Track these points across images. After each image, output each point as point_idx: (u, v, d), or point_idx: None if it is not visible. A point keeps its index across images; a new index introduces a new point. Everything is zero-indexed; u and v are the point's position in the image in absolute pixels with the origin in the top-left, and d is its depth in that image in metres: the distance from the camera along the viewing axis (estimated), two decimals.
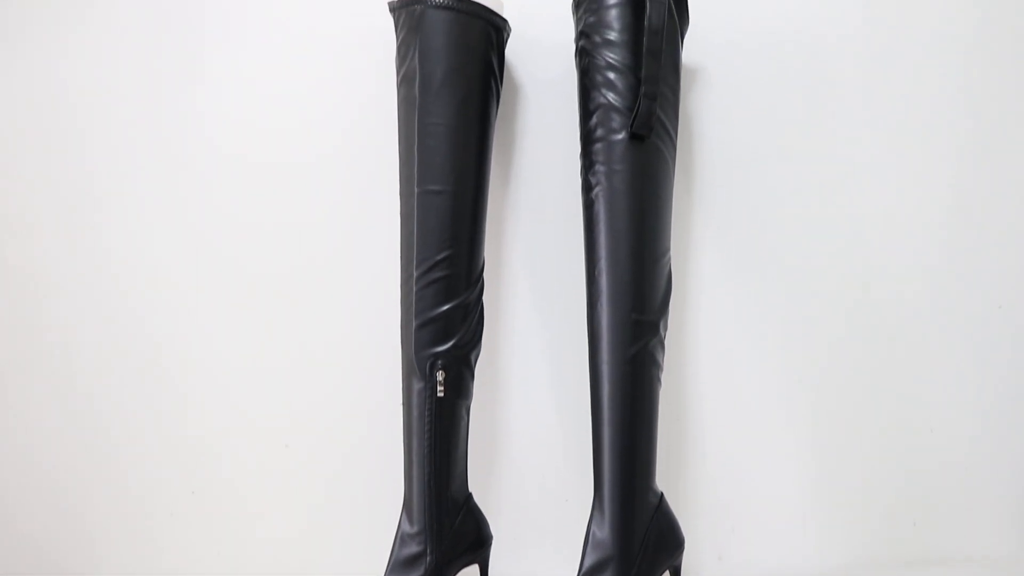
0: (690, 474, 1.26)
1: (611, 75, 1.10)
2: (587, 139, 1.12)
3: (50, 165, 1.32)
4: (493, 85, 1.16)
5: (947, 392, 1.26)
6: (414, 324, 1.11)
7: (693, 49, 1.23)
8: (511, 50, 1.23)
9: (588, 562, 1.05)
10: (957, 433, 1.26)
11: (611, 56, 1.10)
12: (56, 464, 1.33)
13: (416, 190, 1.12)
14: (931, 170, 1.25)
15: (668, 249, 1.12)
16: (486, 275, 1.18)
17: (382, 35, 1.20)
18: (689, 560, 1.19)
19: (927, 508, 1.26)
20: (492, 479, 1.27)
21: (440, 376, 1.11)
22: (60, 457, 1.33)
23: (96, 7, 1.31)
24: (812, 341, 1.26)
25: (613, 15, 1.11)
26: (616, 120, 1.09)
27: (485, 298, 1.16)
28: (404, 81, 1.14)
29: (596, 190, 1.10)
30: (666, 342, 1.11)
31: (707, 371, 1.26)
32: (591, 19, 1.12)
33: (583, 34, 1.13)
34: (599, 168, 1.10)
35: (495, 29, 1.15)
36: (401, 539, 1.11)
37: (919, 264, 1.26)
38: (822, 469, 1.26)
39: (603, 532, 1.06)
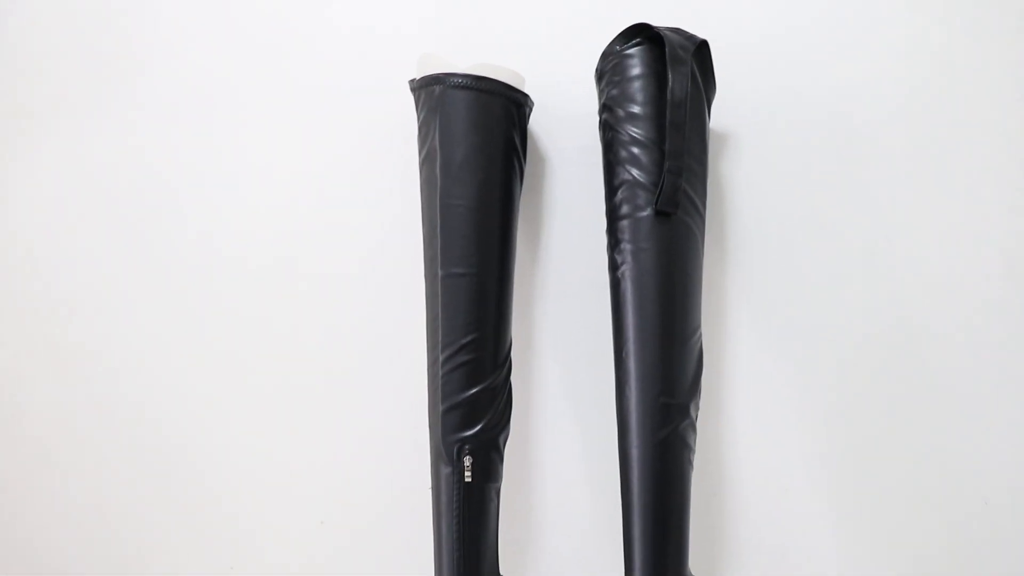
0: (727, 554, 1.22)
1: (635, 150, 1.08)
2: (612, 216, 1.10)
3: (60, 252, 1.34)
4: (516, 163, 1.14)
5: (1000, 466, 1.20)
6: (440, 408, 1.10)
7: (722, 114, 1.20)
8: (535, 121, 1.22)
9: None
10: (1008, 505, 1.20)
11: (635, 131, 1.08)
12: (97, 537, 1.34)
13: (440, 272, 1.11)
14: (978, 234, 1.20)
15: (699, 327, 1.09)
16: (514, 354, 1.16)
17: (407, 112, 1.20)
18: None
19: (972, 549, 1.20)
20: (525, 562, 1.25)
21: (468, 461, 1.10)
22: (102, 529, 1.34)
23: (113, 83, 1.33)
24: (854, 420, 1.21)
25: (636, 87, 1.09)
26: (641, 197, 1.07)
27: (514, 378, 1.15)
28: (426, 161, 1.13)
29: (623, 269, 1.08)
30: (699, 422, 1.09)
31: (743, 447, 1.22)
32: (614, 92, 1.10)
33: (606, 107, 1.11)
34: (625, 246, 1.08)
35: (516, 106, 1.14)
36: None
37: (963, 338, 1.20)
38: (863, 554, 1.21)
39: None
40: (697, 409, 1.08)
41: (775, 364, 1.22)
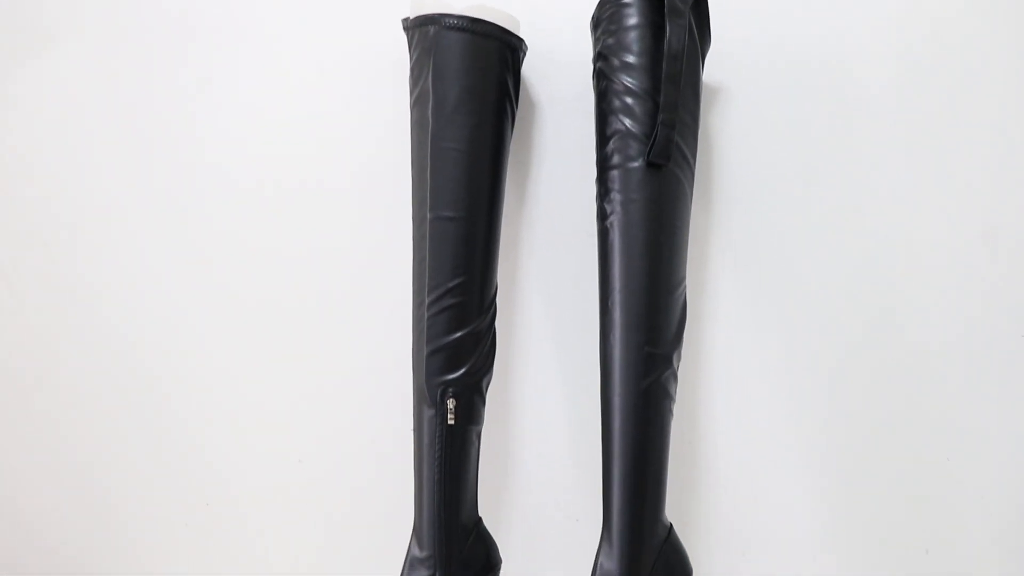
0: (702, 497, 1.25)
1: (629, 100, 1.08)
2: (603, 166, 1.10)
3: (57, 178, 1.32)
4: (508, 107, 1.14)
5: (964, 422, 1.24)
6: (425, 351, 1.11)
7: (714, 68, 1.20)
8: (528, 66, 1.21)
9: None
10: (972, 462, 1.24)
11: (629, 81, 1.07)
12: (71, 472, 1.35)
13: (428, 216, 1.11)
14: (962, 194, 1.22)
15: (683, 279, 1.10)
16: (499, 299, 1.17)
17: (398, 52, 1.18)
18: None
19: (939, 537, 1.25)
20: (502, 503, 1.27)
21: (451, 404, 1.11)
22: (75, 466, 1.35)
23: (110, 19, 1.30)
24: (827, 368, 1.24)
25: (632, 37, 1.08)
26: (633, 147, 1.07)
27: (498, 323, 1.15)
28: (417, 103, 1.12)
29: (611, 219, 1.08)
30: (680, 370, 1.11)
31: (721, 396, 1.25)
32: (609, 41, 1.09)
33: (601, 56, 1.11)
34: (615, 196, 1.08)
35: (511, 50, 1.13)
36: (411, 564, 1.12)
37: (941, 297, 1.23)
38: (834, 497, 1.25)
39: (611, 563, 1.06)
40: (679, 359, 1.09)
41: (756, 318, 1.24)
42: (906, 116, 1.22)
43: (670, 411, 1.09)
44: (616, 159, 1.08)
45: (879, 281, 1.23)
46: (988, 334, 1.23)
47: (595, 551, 1.07)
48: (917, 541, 1.25)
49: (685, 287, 1.10)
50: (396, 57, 1.21)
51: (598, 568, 1.06)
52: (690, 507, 1.23)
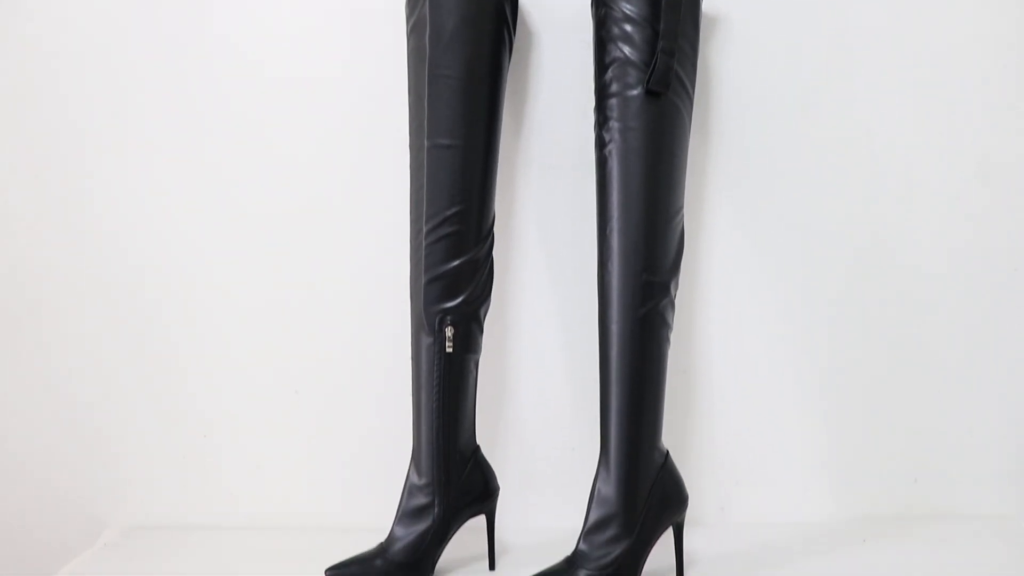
0: (696, 428, 1.27)
1: (628, 27, 1.07)
2: (602, 94, 1.10)
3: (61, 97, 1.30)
4: (506, 35, 1.13)
5: (952, 353, 1.26)
6: (423, 279, 1.11)
7: None
8: None
9: (593, 518, 1.07)
10: (960, 393, 1.27)
11: (628, 7, 1.07)
12: (66, 405, 1.34)
13: (426, 144, 1.10)
14: (955, 129, 1.23)
15: (681, 207, 1.11)
16: (496, 228, 1.17)
17: None
18: (692, 511, 1.20)
19: (928, 466, 1.27)
20: (499, 432, 1.29)
21: (449, 332, 1.11)
22: (69, 398, 1.34)
23: None
24: (821, 297, 1.26)
25: None
26: (632, 75, 1.07)
27: (495, 251, 1.16)
28: (414, 31, 1.12)
29: (610, 147, 1.08)
30: (677, 299, 1.11)
31: (716, 326, 1.26)
32: None
33: None
34: (613, 124, 1.08)
35: None
36: (409, 490, 1.13)
37: (935, 231, 1.25)
38: (826, 426, 1.28)
39: (608, 489, 1.07)
40: (677, 288, 1.10)
41: (752, 248, 1.25)
42: (904, 47, 1.22)
43: (667, 339, 1.09)
44: (615, 87, 1.08)
45: (874, 210, 1.25)
46: (980, 264, 1.25)
47: (591, 478, 1.08)
48: (907, 470, 1.27)
49: (683, 216, 1.11)
50: None
51: (595, 494, 1.08)
52: (684, 436, 1.25)
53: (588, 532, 1.07)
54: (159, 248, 1.31)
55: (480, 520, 1.17)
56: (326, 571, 1.11)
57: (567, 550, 1.09)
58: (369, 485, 1.29)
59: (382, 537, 1.13)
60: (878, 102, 1.23)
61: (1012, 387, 1.26)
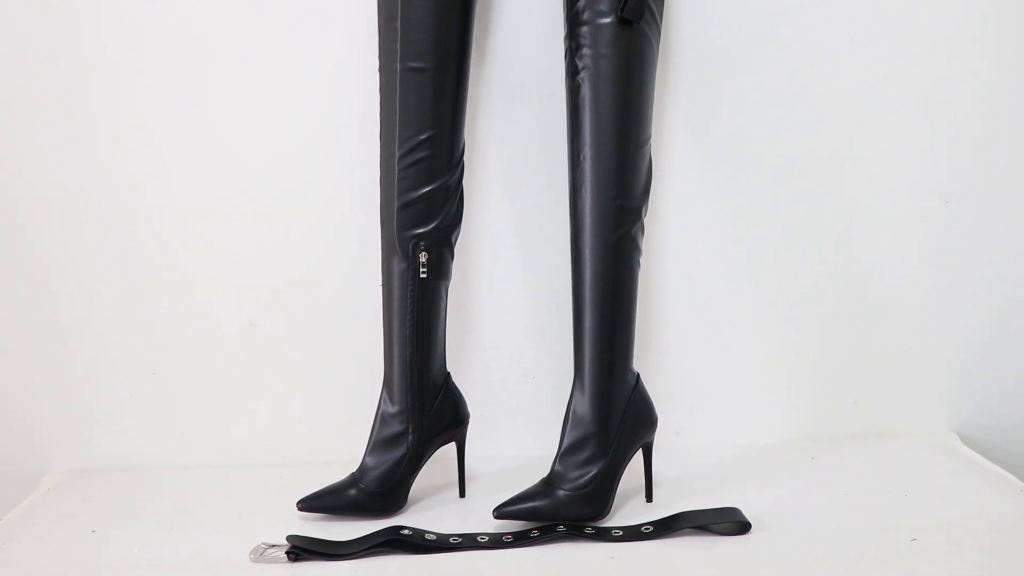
0: (652, 354, 1.30)
1: None
2: (573, 22, 1.10)
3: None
4: None
5: (893, 283, 1.33)
6: (396, 204, 1.10)
7: None
8: None
9: (569, 438, 1.09)
10: (898, 321, 1.34)
11: None
12: (16, 342, 1.28)
13: (398, 67, 1.09)
14: (900, 60, 1.29)
15: (650, 135, 1.13)
16: (465, 156, 1.16)
17: None
18: None
19: (867, 388, 1.35)
20: (465, 360, 1.29)
21: (423, 257, 1.10)
22: (19, 334, 1.28)
23: None
24: (772, 231, 1.31)
25: None
26: (604, 3, 1.07)
27: (464, 179, 1.15)
28: None
29: (582, 74, 1.09)
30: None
31: (672, 256, 1.30)
32: None
33: None
34: (585, 52, 1.09)
35: None
36: (382, 418, 1.12)
37: (880, 162, 1.31)
38: (774, 352, 1.33)
39: (584, 409, 1.09)
40: (647, 213, 1.12)
41: (707, 180, 1.30)
42: None
43: (638, 263, 1.12)
44: (587, 15, 1.08)
45: (825, 136, 1.30)
46: (920, 198, 1.32)
47: (552, 407, 1.10)
48: (847, 393, 1.34)
49: (651, 143, 1.13)
50: None
51: (571, 415, 1.09)
52: (640, 364, 1.27)
53: (564, 453, 1.09)
54: (113, 169, 1.26)
55: (444, 450, 1.17)
56: (297, 503, 1.09)
57: (533, 476, 1.10)
58: (341, 414, 1.27)
59: (352, 469, 1.11)
60: (827, 37, 1.28)
61: (942, 316, 1.34)
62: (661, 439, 1.24)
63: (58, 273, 1.27)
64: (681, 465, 1.25)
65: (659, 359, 1.31)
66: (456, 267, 1.19)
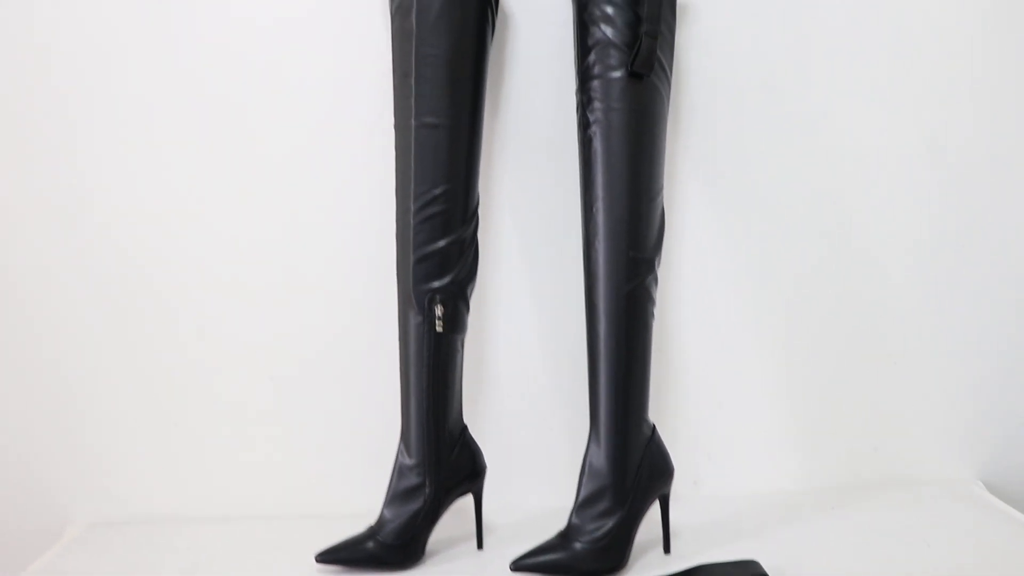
0: (669, 405, 1.30)
1: (609, 10, 1.10)
2: (584, 75, 1.12)
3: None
4: (489, 15, 1.15)
5: (911, 329, 1.33)
6: (412, 258, 1.11)
7: None
8: None
9: (586, 491, 1.09)
10: (916, 366, 1.33)
11: None
12: (35, 397, 1.30)
13: (413, 123, 1.11)
14: (908, 107, 1.30)
15: (662, 186, 1.14)
16: (480, 208, 1.18)
17: None
18: None
19: (886, 436, 1.34)
20: (480, 412, 1.30)
21: (439, 311, 1.11)
22: (39, 389, 1.30)
23: None
24: (787, 277, 1.31)
25: None
26: (615, 57, 1.09)
27: (480, 232, 1.17)
28: (399, 12, 1.12)
29: (594, 128, 1.11)
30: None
31: (687, 306, 1.30)
32: None
33: None
34: (597, 106, 1.10)
35: None
36: (400, 471, 1.13)
37: (892, 205, 1.31)
38: (792, 399, 1.33)
39: (600, 462, 1.10)
40: (660, 264, 1.13)
41: (719, 220, 1.30)
42: (858, 35, 1.28)
43: (652, 314, 1.12)
44: (597, 69, 1.10)
45: (834, 184, 1.30)
46: (933, 240, 1.31)
47: (571, 458, 1.10)
48: (867, 441, 1.33)
49: (663, 195, 1.14)
50: None
51: (587, 467, 1.09)
52: (658, 414, 1.27)
53: (581, 506, 1.09)
54: (134, 233, 1.28)
55: (462, 501, 1.17)
56: (316, 556, 1.10)
57: (550, 528, 1.11)
58: (359, 466, 1.27)
59: (370, 522, 1.12)
60: (835, 86, 1.28)
61: (962, 360, 1.33)
62: (679, 489, 1.24)
63: (77, 327, 1.29)
64: (700, 515, 1.25)
65: (677, 408, 1.31)
66: (474, 318, 1.20)
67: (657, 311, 1.19)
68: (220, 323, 1.29)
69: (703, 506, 1.28)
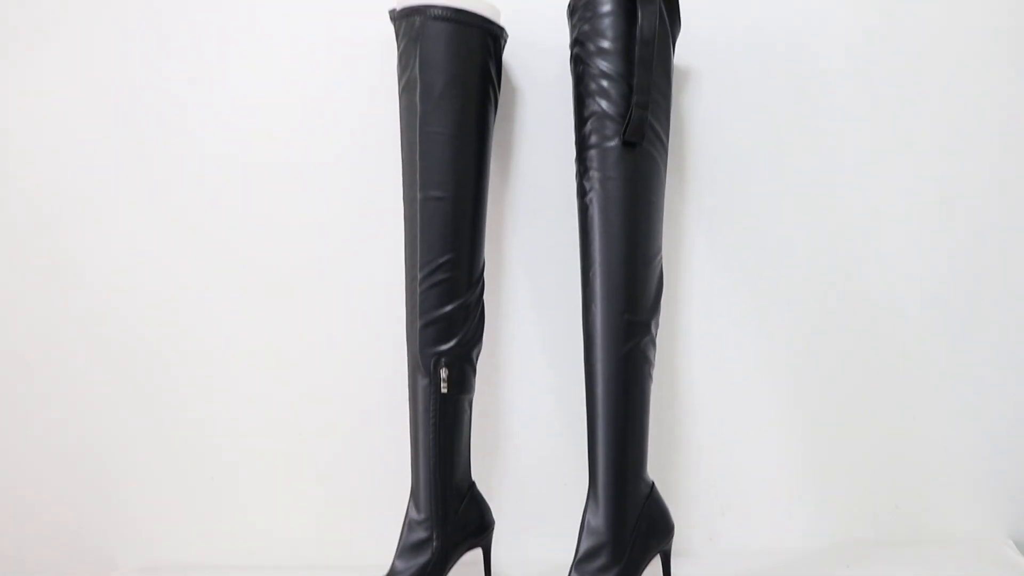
0: (682, 460, 1.32)
1: (604, 83, 1.14)
2: (582, 145, 1.16)
3: (57, 166, 1.37)
4: (491, 93, 1.20)
5: (928, 382, 1.32)
6: (419, 324, 1.17)
7: (684, 50, 1.27)
8: (509, 53, 1.27)
9: (584, 548, 1.12)
10: (936, 420, 1.32)
11: (604, 65, 1.13)
12: (72, 455, 1.39)
13: (419, 196, 1.17)
14: (917, 167, 1.30)
15: (660, 250, 1.17)
16: (486, 274, 1.23)
17: (386, 42, 1.24)
18: (682, 542, 1.26)
19: (907, 491, 1.32)
20: (493, 468, 1.34)
21: (444, 373, 1.17)
22: (76, 448, 1.39)
23: (100, 11, 1.35)
24: (798, 332, 1.32)
25: (606, 24, 1.14)
26: (609, 128, 1.13)
27: (485, 296, 1.22)
28: (406, 90, 1.18)
29: (590, 195, 1.15)
30: (659, 337, 1.17)
31: (698, 361, 1.32)
32: (585, 27, 1.15)
33: (577, 42, 1.17)
34: (593, 174, 1.14)
35: (492, 38, 1.19)
36: (409, 525, 1.18)
37: (903, 261, 1.31)
38: (808, 454, 1.32)
39: (597, 520, 1.12)
40: (657, 327, 1.16)
41: (728, 281, 1.32)
42: (865, 94, 1.29)
43: (649, 375, 1.15)
44: (594, 139, 1.14)
45: (842, 247, 1.31)
46: (947, 295, 1.30)
47: (581, 512, 1.13)
48: (888, 496, 1.32)
49: (661, 258, 1.17)
50: (384, 46, 1.27)
51: (585, 525, 1.12)
52: (672, 470, 1.30)
53: (579, 562, 1.12)
54: (166, 295, 1.36)
55: (476, 554, 1.22)
56: None
57: None
58: (370, 521, 1.34)
59: (383, 572, 1.17)
60: (843, 147, 1.29)
61: (986, 412, 1.31)
62: (695, 544, 1.26)
63: (127, 384, 1.38)
64: (715, 570, 1.26)
65: (689, 462, 1.32)
66: (484, 377, 1.26)
67: (665, 369, 1.23)
68: (248, 385, 1.37)
69: (719, 561, 1.29)
